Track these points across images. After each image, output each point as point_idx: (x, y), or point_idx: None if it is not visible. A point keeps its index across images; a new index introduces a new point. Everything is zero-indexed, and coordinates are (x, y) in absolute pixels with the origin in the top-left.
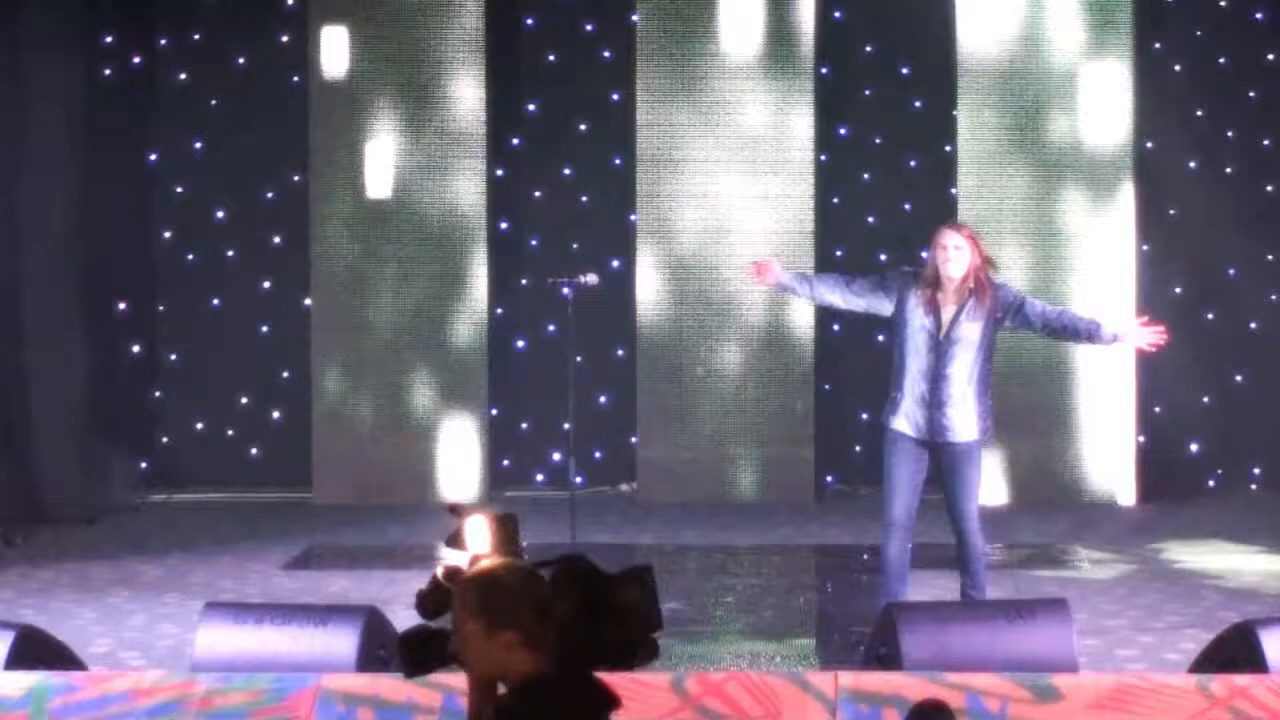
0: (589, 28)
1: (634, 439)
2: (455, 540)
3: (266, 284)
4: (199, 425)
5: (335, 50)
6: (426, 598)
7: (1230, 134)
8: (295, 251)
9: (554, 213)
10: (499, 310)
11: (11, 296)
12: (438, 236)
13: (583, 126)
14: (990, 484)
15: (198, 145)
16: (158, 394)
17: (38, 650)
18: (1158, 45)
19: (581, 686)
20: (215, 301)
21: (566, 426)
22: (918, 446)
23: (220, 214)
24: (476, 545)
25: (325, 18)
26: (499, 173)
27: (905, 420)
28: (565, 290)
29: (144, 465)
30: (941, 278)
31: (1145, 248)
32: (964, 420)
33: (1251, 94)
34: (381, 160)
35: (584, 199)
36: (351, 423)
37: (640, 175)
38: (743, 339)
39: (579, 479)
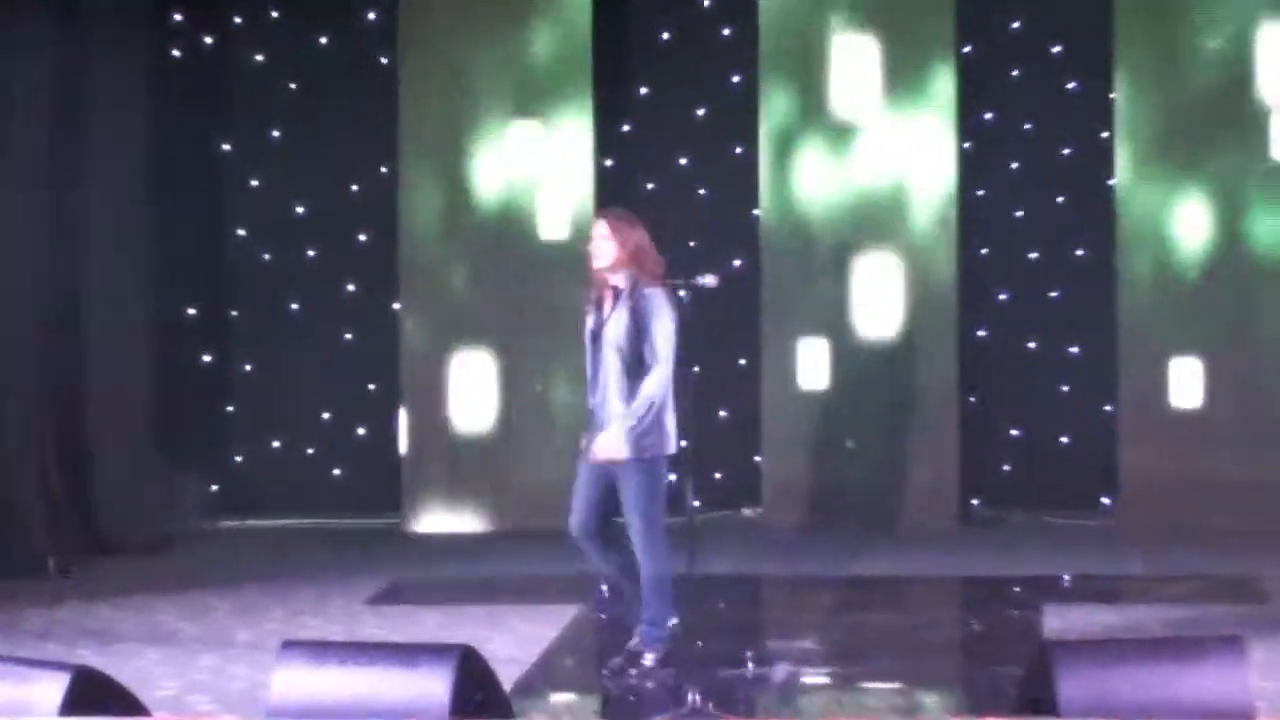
0: (706, 2)
1: (758, 458)
2: None
3: (351, 287)
4: (275, 443)
5: (426, 28)
6: None
7: None
8: (382, 251)
9: (668, 206)
10: None
11: (71, 300)
12: (541, 233)
13: (700, 111)
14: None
15: (275, 134)
16: (230, 409)
17: (96, 694)
18: None
19: None
20: (294, 306)
21: (684, 444)
22: (590, 467)
23: (300, 210)
24: None
25: None
26: (608, 162)
27: (588, 428)
28: (681, 293)
29: (214, 488)
30: (595, 273)
31: None
32: (616, 435)
33: None
34: (478, 149)
35: (701, 191)
36: (446, 441)
37: (764, 165)
38: (876, 348)
39: (696, 503)
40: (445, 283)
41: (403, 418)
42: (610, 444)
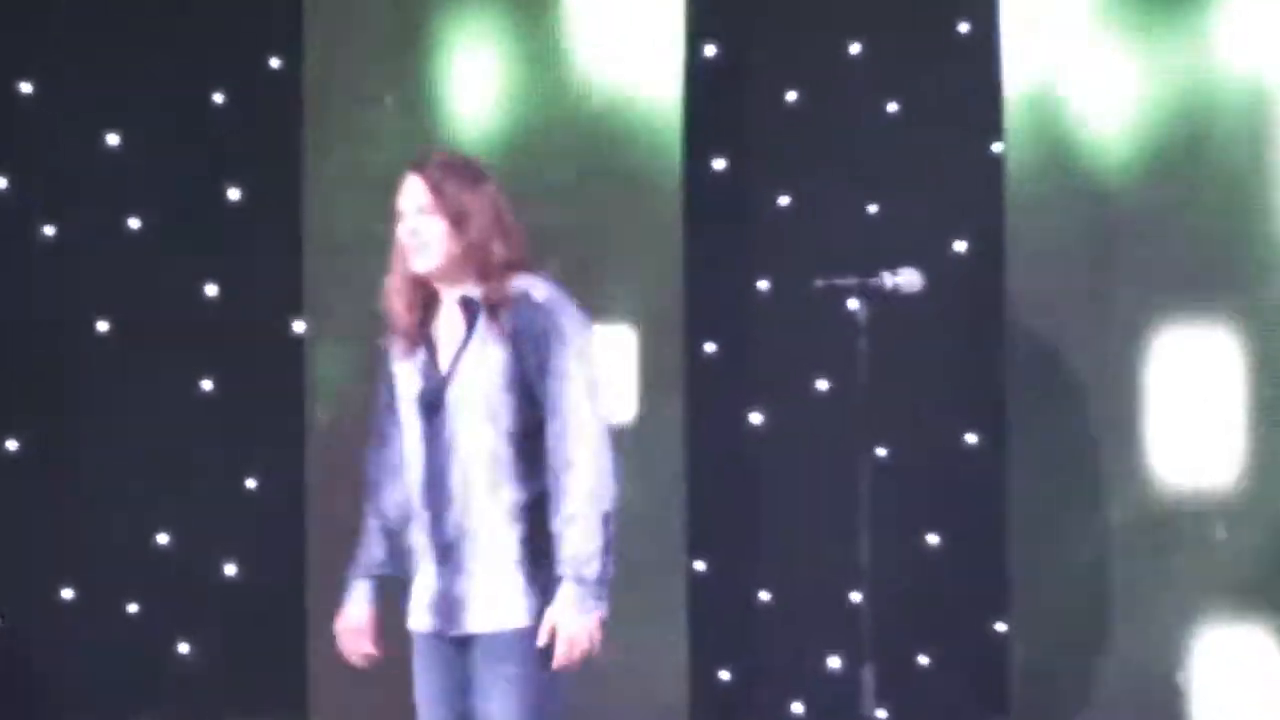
0: None
1: (999, 626)
2: None
3: None
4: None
5: None
6: None
7: None
8: None
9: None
10: (706, 346)
11: None
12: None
13: None
14: None
15: None
16: None
17: None
18: None
19: None
20: None
21: (856, 599)
22: (440, 648)
23: None
24: None
25: None
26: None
27: (415, 604)
28: (853, 302)
29: None
30: (409, 283)
31: None
32: (494, 586)
33: None
34: None
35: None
36: None
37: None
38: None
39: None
40: None
41: None
42: (578, 627)
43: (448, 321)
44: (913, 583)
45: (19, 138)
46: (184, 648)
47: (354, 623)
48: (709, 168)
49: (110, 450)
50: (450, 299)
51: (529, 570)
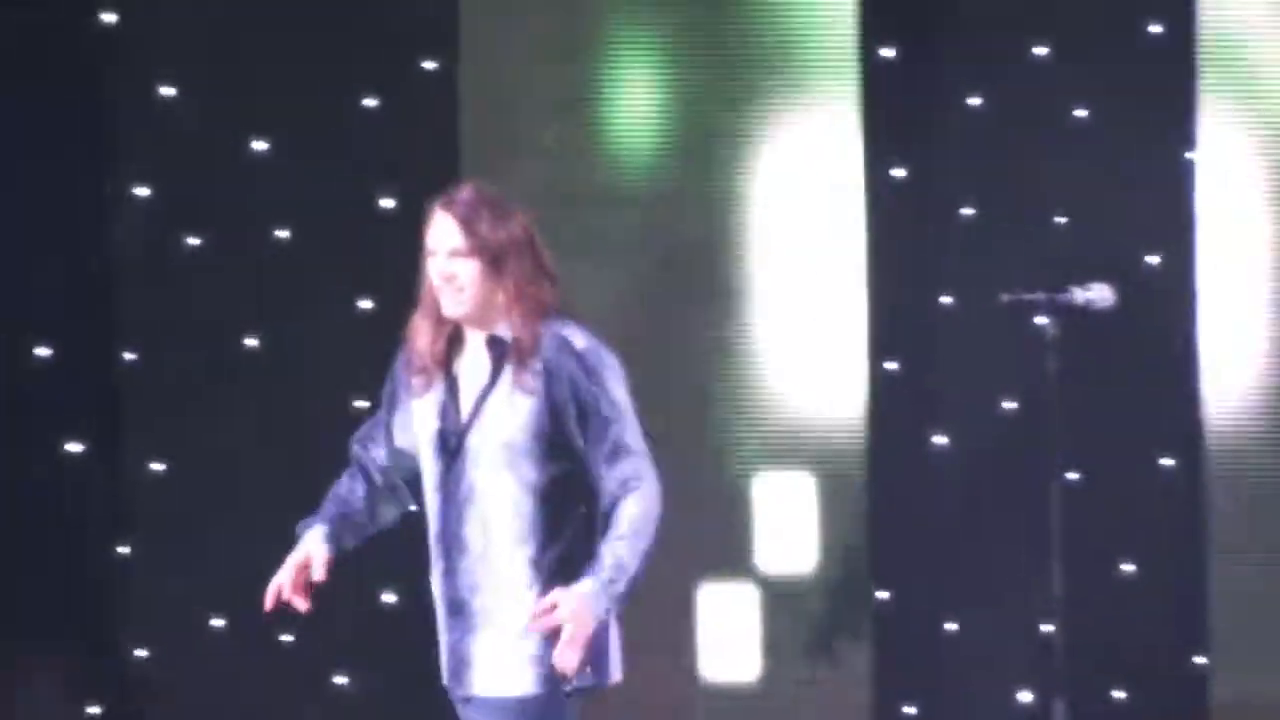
0: None
1: (1199, 660)
2: None
3: None
4: None
5: None
6: None
7: None
8: None
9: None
10: (888, 364)
11: None
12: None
13: None
14: None
15: None
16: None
17: None
18: None
19: None
20: None
21: (1048, 630)
22: (456, 703)
23: None
24: None
25: None
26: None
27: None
28: (1041, 317)
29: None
30: (436, 323)
31: None
32: (501, 647)
33: None
34: None
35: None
36: None
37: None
38: None
39: None
40: None
41: None
42: (582, 614)
43: (472, 361)
44: (1107, 613)
45: (163, 145)
46: (339, 679)
47: (301, 559)
48: (889, 177)
49: (262, 471)
50: (477, 338)
51: (543, 637)
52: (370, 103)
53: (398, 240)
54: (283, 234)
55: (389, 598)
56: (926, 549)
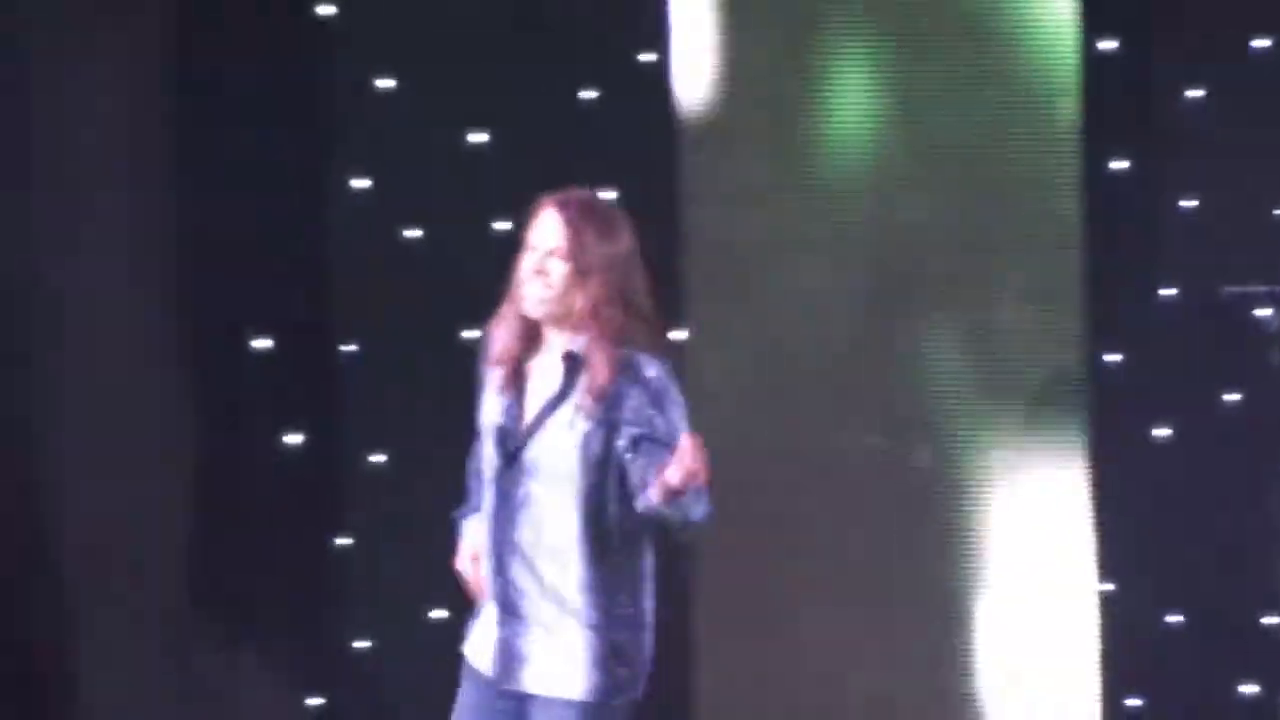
0: None
1: None
2: None
3: None
4: None
5: None
6: None
7: None
8: None
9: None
10: (1108, 357)
11: None
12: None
13: None
14: None
15: None
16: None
17: None
18: None
19: None
20: None
21: (1273, 622)
22: (492, 695)
23: None
24: None
25: None
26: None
27: (477, 637)
28: (1263, 310)
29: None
30: (517, 318)
31: None
32: (555, 650)
33: None
34: None
35: None
36: None
37: None
38: None
39: None
40: None
41: None
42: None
43: (545, 369)
44: None
45: (380, 137)
46: None
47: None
48: (1109, 169)
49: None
50: (555, 344)
51: (597, 647)
52: (588, 95)
53: None
54: (502, 226)
55: None
56: (1149, 542)
